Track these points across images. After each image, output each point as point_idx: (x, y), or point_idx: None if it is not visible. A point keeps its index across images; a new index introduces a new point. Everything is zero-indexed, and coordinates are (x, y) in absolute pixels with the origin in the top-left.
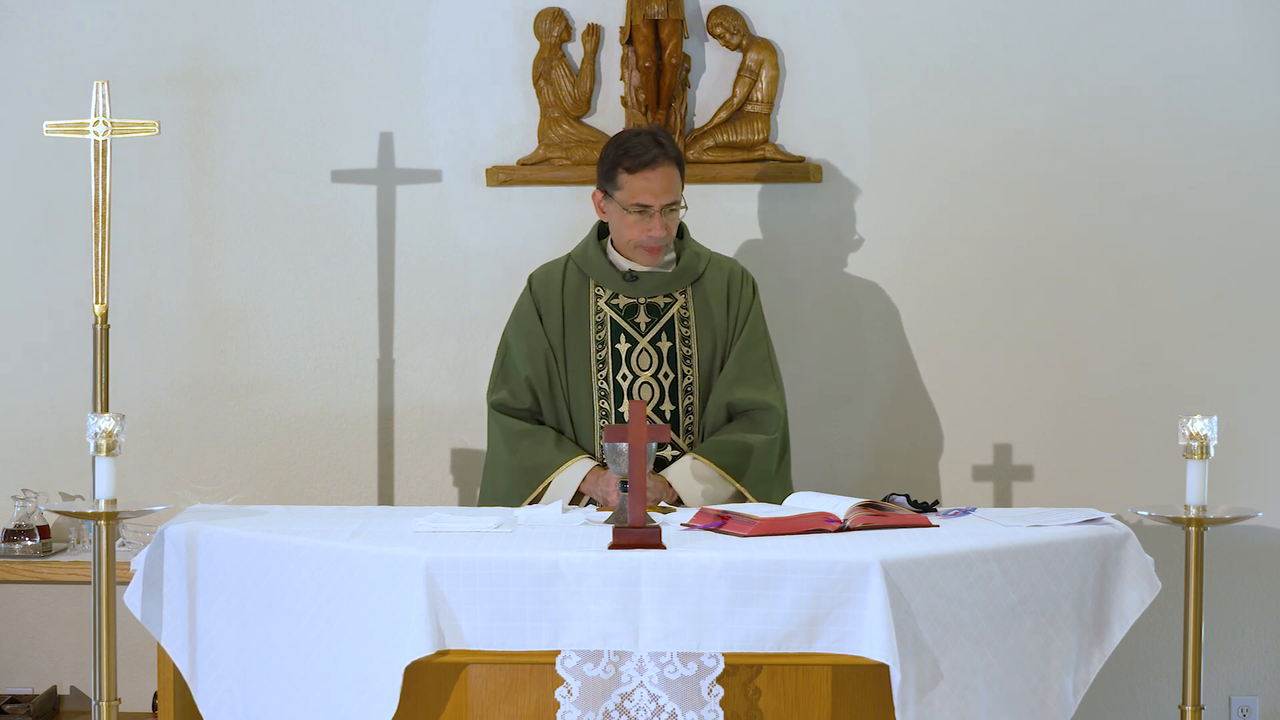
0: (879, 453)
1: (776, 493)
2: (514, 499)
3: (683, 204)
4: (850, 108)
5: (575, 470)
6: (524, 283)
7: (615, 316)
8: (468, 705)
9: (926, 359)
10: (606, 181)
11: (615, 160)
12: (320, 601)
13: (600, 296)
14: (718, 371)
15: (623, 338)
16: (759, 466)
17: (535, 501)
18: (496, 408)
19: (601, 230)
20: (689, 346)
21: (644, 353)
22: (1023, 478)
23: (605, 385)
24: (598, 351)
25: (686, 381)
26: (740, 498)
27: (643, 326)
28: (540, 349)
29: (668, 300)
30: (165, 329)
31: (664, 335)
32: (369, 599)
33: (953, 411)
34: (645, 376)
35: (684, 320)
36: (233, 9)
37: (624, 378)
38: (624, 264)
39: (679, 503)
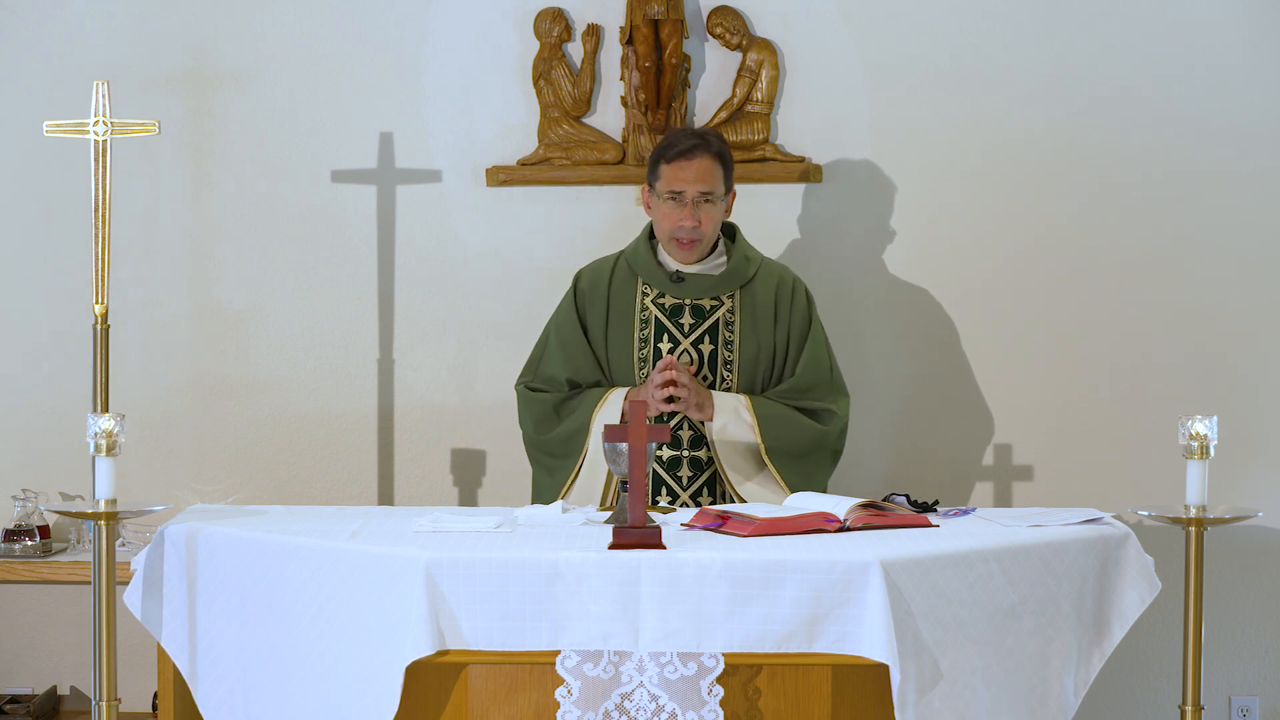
0: (878, 452)
1: (799, 475)
2: (570, 458)
3: (723, 199)
4: (850, 108)
5: (613, 400)
6: (525, 282)
7: (660, 316)
8: (468, 705)
9: (926, 359)
10: (650, 174)
11: (659, 152)
12: (320, 601)
13: (647, 295)
14: (760, 380)
15: (665, 337)
16: (800, 440)
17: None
18: (530, 388)
19: (653, 230)
20: (730, 351)
21: (685, 354)
22: (1023, 478)
23: None
24: (640, 349)
25: (724, 386)
26: (758, 458)
27: (686, 328)
28: (580, 356)
29: (714, 303)
30: (165, 329)
31: (706, 338)
32: (369, 599)
33: (953, 411)
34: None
35: (728, 325)
36: (233, 9)
37: None
38: (672, 264)
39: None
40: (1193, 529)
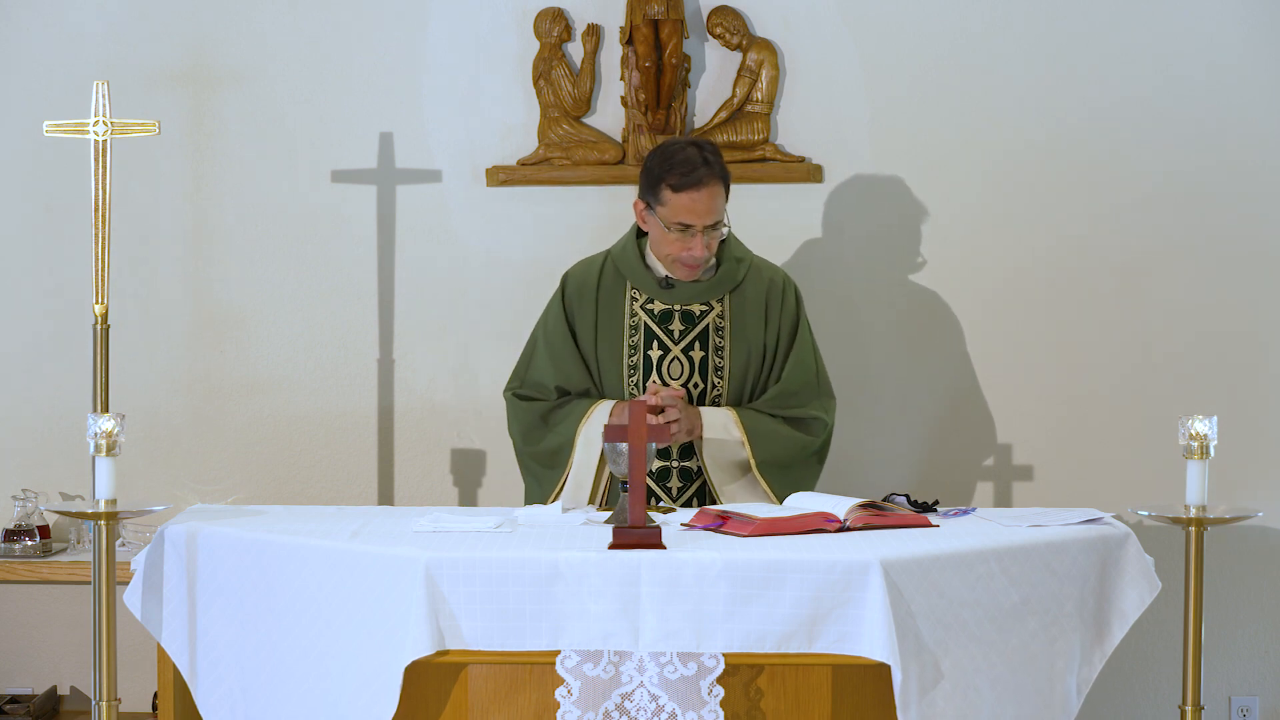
0: (878, 453)
1: (788, 484)
2: (556, 470)
3: (726, 223)
4: (850, 108)
5: (599, 415)
6: (525, 282)
7: (649, 322)
8: (468, 705)
9: (926, 358)
10: (649, 193)
11: (661, 174)
12: (320, 601)
13: (636, 300)
14: (750, 384)
15: (655, 344)
16: (786, 453)
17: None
18: (518, 395)
19: (639, 231)
20: (721, 358)
21: (675, 361)
22: (1023, 478)
23: (636, 391)
24: (630, 357)
25: (715, 393)
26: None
27: (676, 334)
28: (569, 362)
29: (704, 308)
30: (165, 329)
31: (697, 344)
32: (369, 599)
33: (953, 411)
34: (675, 385)
35: (718, 330)
36: (233, 9)
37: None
38: (661, 270)
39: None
40: (1193, 529)
